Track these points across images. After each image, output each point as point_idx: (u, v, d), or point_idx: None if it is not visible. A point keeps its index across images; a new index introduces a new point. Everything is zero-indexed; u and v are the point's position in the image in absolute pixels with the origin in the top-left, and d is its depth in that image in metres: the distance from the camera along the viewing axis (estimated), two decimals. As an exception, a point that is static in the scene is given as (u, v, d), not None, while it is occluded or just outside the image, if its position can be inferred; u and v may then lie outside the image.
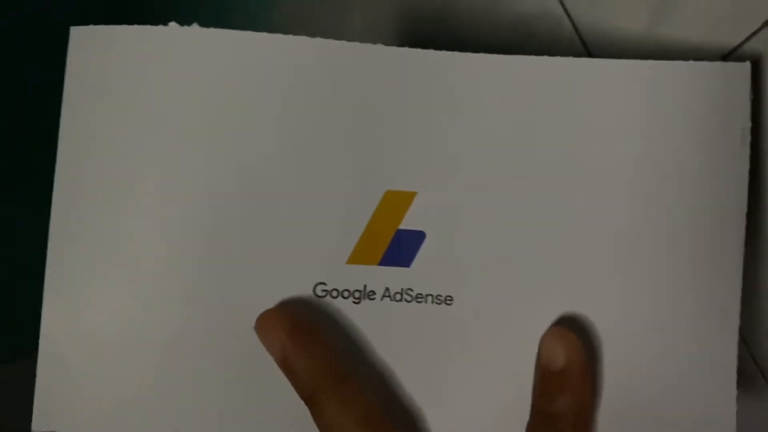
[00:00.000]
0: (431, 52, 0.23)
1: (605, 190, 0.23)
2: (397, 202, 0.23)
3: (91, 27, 0.24)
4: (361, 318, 0.23)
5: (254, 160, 0.23)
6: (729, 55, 0.24)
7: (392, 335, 0.23)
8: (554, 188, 0.23)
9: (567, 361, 0.21)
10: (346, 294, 0.23)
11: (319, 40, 0.23)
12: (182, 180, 0.23)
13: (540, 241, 0.23)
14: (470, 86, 0.23)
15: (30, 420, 0.23)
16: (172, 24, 0.23)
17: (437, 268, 0.23)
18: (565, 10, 0.27)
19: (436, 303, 0.23)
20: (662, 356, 0.23)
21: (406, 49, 0.23)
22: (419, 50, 0.23)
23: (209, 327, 0.23)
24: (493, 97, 0.23)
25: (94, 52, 0.24)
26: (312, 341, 0.22)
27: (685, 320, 0.23)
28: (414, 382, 0.23)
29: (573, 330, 0.22)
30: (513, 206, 0.23)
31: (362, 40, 0.23)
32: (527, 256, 0.23)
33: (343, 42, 0.23)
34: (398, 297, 0.23)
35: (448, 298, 0.23)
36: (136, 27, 0.24)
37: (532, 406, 0.22)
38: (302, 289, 0.23)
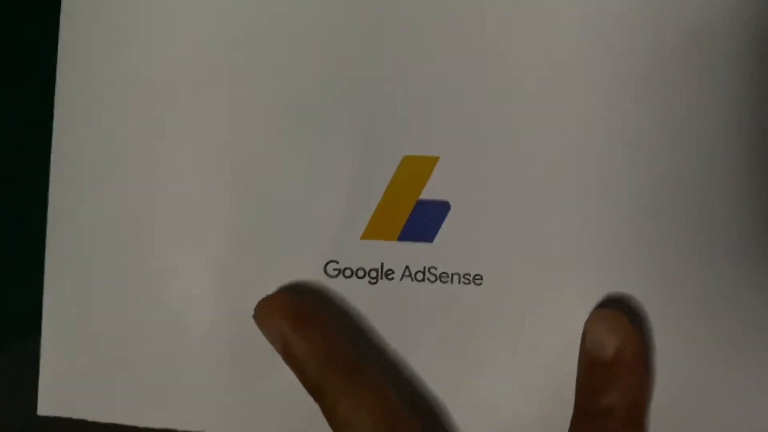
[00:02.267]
0: None
1: (648, 156, 0.20)
2: (417, 168, 0.21)
3: None
4: (377, 300, 0.21)
5: (258, 131, 0.21)
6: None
7: (412, 319, 0.21)
8: (594, 153, 0.20)
9: (618, 349, 0.18)
10: (360, 273, 0.21)
11: None
12: (182, 157, 0.21)
13: (580, 212, 0.20)
14: (496, 37, 0.20)
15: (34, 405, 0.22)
16: None
17: (464, 243, 0.20)
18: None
19: (464, 283, 0.20)
20: (715, 342, 0.19)
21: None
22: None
23: (212, 314, 0.21)
24: (524, 49, 0.20)
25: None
26: (317, 328, 0.20)
27: (737, 302, 0.19)
28: (437, 372, 0.21)
29: (622, 313, 0.19)
30: (549, 173, 0.20)
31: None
32: (566, 229, 0.20)
33: None
34: (420, 276, 0.21)
35: (477, 277, 0.20)
36: None
37: (576, 401, 0.19)
38: (311, 269, 0.21)
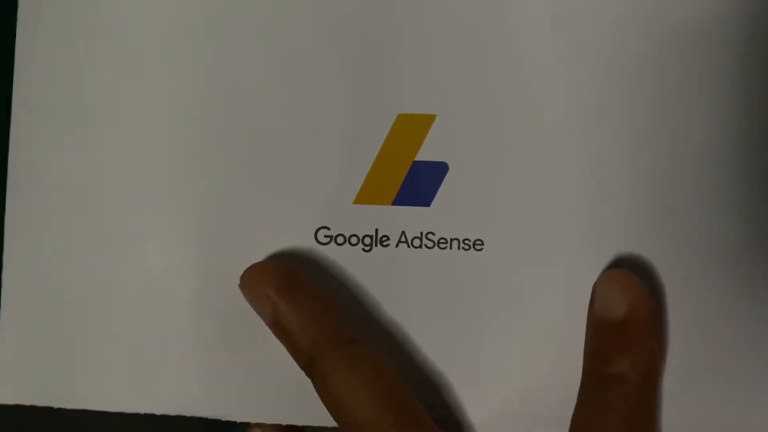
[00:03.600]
0: None
1: (648, 115, 0.19)
2: (412, 127, 0.19)
3: None
4: (372, 268, 0.19)
5: (238, 82, 0.19)
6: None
7: (410, 288, 0.19)
8: (594, 112, 0.19)
9: (629, 309, 0.17)
10: (354, 240, 0.19)
11: None
12: (159, 111, 0.20)
13: (583, 172, 0.19)
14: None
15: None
16: None
17: (463, 206, 0.19)
18: None
19: (464, 248, 0.19)
20: (731, 302, 0.19)
21: None
22: None
23: (193, 284, 0.20)
24: (525, 6, 0.19)
25: None
26: (309, 297, 0.18)
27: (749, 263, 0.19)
28: (436, 343, 0.19)
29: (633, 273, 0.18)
30: (551, 132, 0.19)
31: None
32: (570, 189, 0.19)
33: None
34: (417, 243, 0.19)
35: (478, 242, 0.19)
36: None
37: (585, 366, 0.18)
38: (301, 235, 0.19)
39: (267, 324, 0.18)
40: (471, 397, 0.19)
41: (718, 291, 0.19)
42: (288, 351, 0.18)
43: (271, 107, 0.19)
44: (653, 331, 0.18)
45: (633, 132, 0.19)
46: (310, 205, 0.19)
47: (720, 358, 0.19)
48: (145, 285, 0.20)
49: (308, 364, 0.18)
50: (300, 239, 0.19)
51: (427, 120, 0.19)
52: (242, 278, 0.19)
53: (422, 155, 0.19)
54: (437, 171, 0.19)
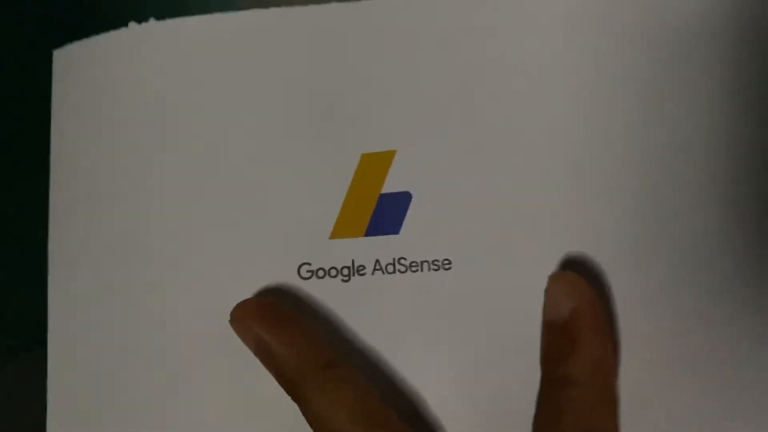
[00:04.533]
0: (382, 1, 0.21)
1: (605, 124, 0.20)
2: (375, 164, 0.21)
3: (73, 45, 0.23)
4: (352, 297, 0.21)
5: (224, 144, 0.22)
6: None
7: (387, 313, 0.21)
8: (548, 130, 0.20)
9: (574, 308, 0.18)
10: (333, 272, 0.21)
11: (272, 11, 0.22)
12: (163, 174, 0.22)
13: (538, 187, 0.20)
14: (435, 30, 0.21)
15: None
16: (132, 24, 0.23)
17: (430, 229, 0.21)
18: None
19: (433, 269, 0.21)
20: (684, 299, 0.19)
21: (356, 3, 0.21)
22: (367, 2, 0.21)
23: (198, 322, 0.21)
24: (471, 40, 0.21)
25: (80, 67, 0.23)
26: (291, 327, 0.20)
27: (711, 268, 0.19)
28: (413, 363, 0.21)
29: (581, 273, 0.19)
30: (504, 154, 0.21)
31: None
32: (528, 204, 0.20)
33: (294, 7, 0.22)
34: (390, 269, 0.21)
35: (446, 261, 0.21)
36: (115, 33, 0.23)
37: (542, 370, 0.19)
38: (286, 272, 0.21)
39: (254, 354, 0.20)
40: (448, 414, 0.20)
41: (689, 293, 0.19)
42: (275, 378, 0.20)
43: (252, 167, 0.22)
44: (600, 333, 0.18)
45: (594, 146, 0.20)
46: (291, 244, 0.21)
47: (685, 358, 0.19)
48: (157, 326, 0.21)
49: (292, 389, 0.19)
50: (285, 275, 0.21)
51: (388, 156, 0.21)
52: (231, 314, 0.20)
53: (387, 187, 0.21)
54: (402, 200, 0.21)
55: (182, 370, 0.21)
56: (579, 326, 0.18)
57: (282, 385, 0.20)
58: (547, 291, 0.19)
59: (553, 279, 0.19)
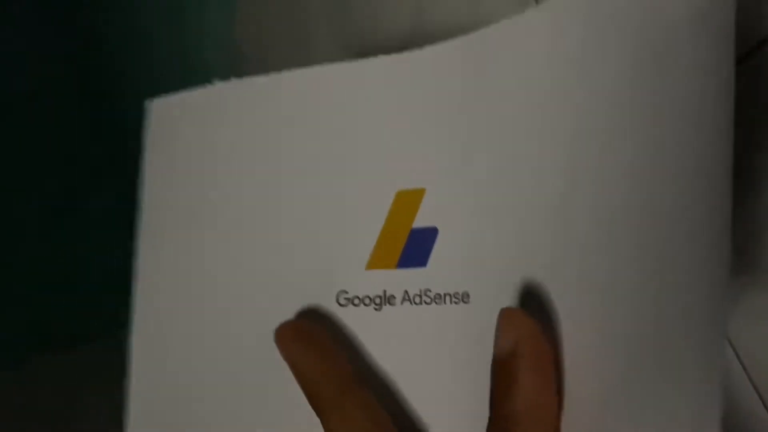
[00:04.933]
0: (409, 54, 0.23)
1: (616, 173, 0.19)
2: (408, 201, 0.23)
3: (169, 97, 0.28)
4: (382, 326, 0.22)
5: (281, 185, 0.25)
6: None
7: (412, 343, 0.22)
8: (568, 172, 0.20)
9: (515, 345, 0.17)
10: (367, 301, 0.23)
11: (340, 65, 0.24)
12: (236, 215, 0.25)
13: (555, 229, 0.20)
14: (466, 77, 0.22)
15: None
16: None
17: (452, 263, 0.22)
18: None
19: (454, 302, 0.21)
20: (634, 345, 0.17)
21: (385, 57, 0.23)
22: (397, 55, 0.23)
23: (257, 344, 0.24)
24: (496, 85, 0.22)
25: (174, 120, 0.28)
26: (319, 349, 0.22)
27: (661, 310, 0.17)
28: (431, 392, 0.21)
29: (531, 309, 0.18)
30: (526, 193, 0.21)
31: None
32: (543, 244, 0.20)
33: (343, 63, 0.24)
34: (417, 300, 0.22)
35: (465, 295, 0.21)
36: (208, 89, 0.27)
37: (489, 410, 0.18)
38: (325, 298, 0.23)
39: (291, 372, 0.22)
40: None
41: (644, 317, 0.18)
42: (304, 394, 0.22)
43: (305, 200, 0.24)
44: (541, 369, 0.17)
45: (607, 187, 0.20)
46: (331, 273, 0.23)
47: (636, 388, 0.17)
48: (225, 348, 0.25)
49: (315, 406, 0.21)
50: (325, 301, 0.23)
51: (418, 194, 0.23)
52: (275, 333, 0.23)
53: (417, 223, 0.22)
54: (430, 235, 0.22)
55: (239, 381, 0.24)
56: (518, 362, 0.17)
57: (308, 400, 0.21)
58: (496, 328, 0.19)
59: (499, 315, 0.19)
